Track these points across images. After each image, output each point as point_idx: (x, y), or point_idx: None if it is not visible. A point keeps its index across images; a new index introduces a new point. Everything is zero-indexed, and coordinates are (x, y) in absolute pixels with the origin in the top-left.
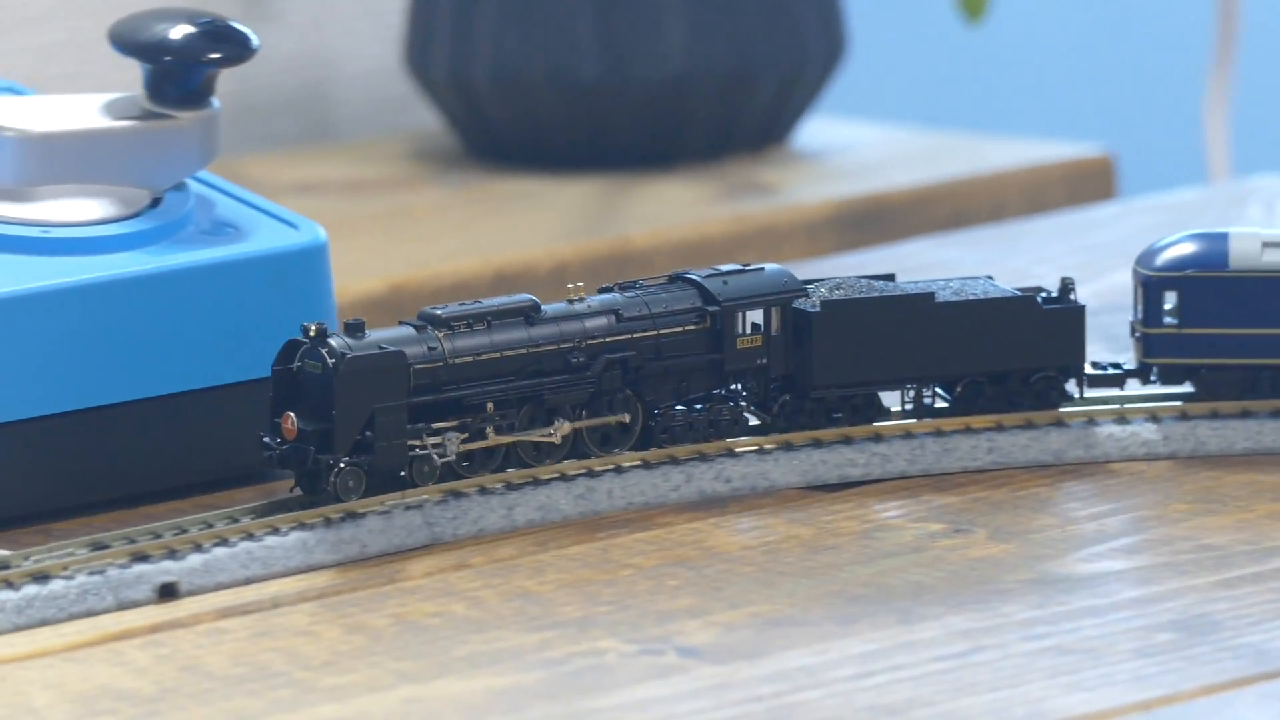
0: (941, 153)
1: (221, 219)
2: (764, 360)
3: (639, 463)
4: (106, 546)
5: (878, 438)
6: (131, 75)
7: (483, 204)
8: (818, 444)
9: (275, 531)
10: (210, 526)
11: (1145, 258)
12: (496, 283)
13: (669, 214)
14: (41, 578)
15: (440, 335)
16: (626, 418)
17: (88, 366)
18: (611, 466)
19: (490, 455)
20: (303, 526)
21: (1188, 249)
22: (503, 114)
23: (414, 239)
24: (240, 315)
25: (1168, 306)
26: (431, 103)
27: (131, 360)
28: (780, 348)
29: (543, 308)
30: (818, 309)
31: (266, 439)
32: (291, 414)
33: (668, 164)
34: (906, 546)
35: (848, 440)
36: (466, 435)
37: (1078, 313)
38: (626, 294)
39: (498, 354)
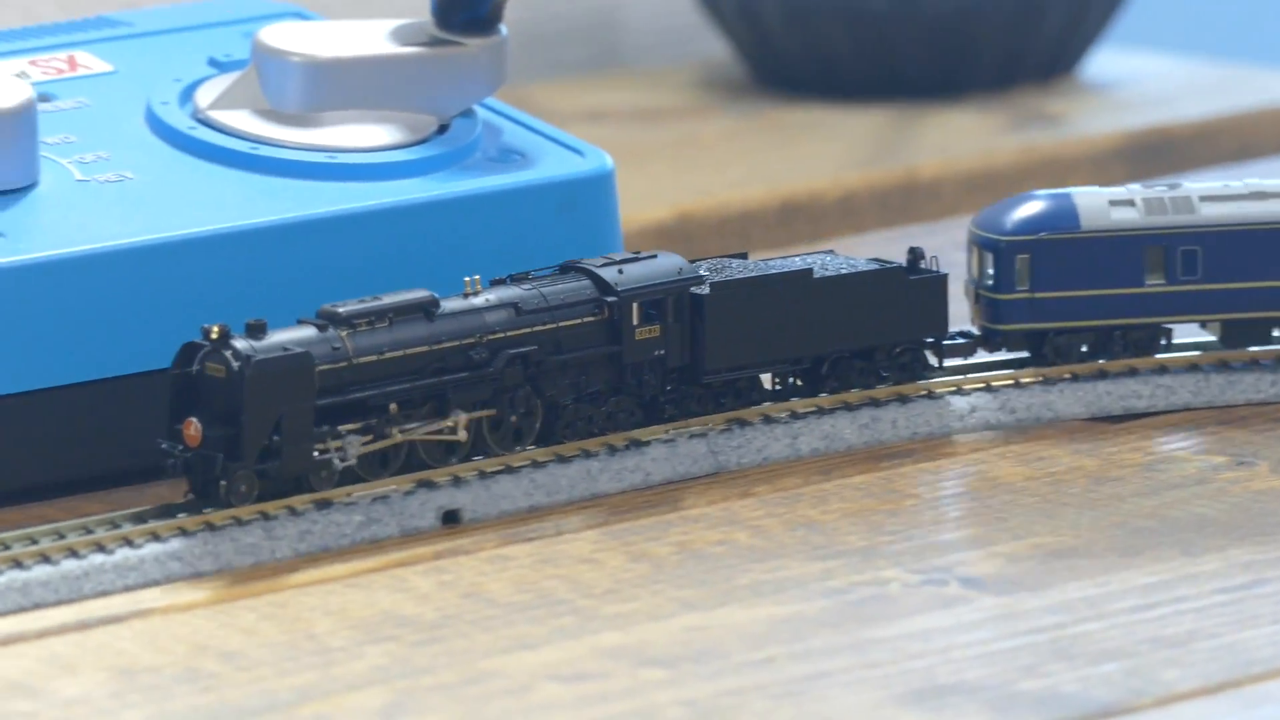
0: (1229, 85)
1: (509, 146)
2: (662, 351)
3: (924, 393)
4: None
5: (1163, 369)
6: (419, 2)
7: (770, 133)
8: (1102, 374)
9: (560, 459)
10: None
11: (989, 222)
12: (783, 212)
13: (956, 144)
14: (324, 504)
15: (343, 334)
16: (514, 418)
17: (373, 292)
18: (895, 396)
19: (391, 457)
20: (587, 455)
21: (1037, 210)
22: (791, 43)
23: (701, 168)
24: (527, 242)
25: (1019, 271)
26: (720, 31)
27: (417, 287)
28: (678, 337)
29: (441, 302)
30: (707, 291)
31: (165, 445)
32: (195, 420)
33: (955, 94)
34: (1190, 479)
35: (1133, 372)
36: (371, 437)
37: (940, 282)
38: (523, 286)
39: (400, 352)
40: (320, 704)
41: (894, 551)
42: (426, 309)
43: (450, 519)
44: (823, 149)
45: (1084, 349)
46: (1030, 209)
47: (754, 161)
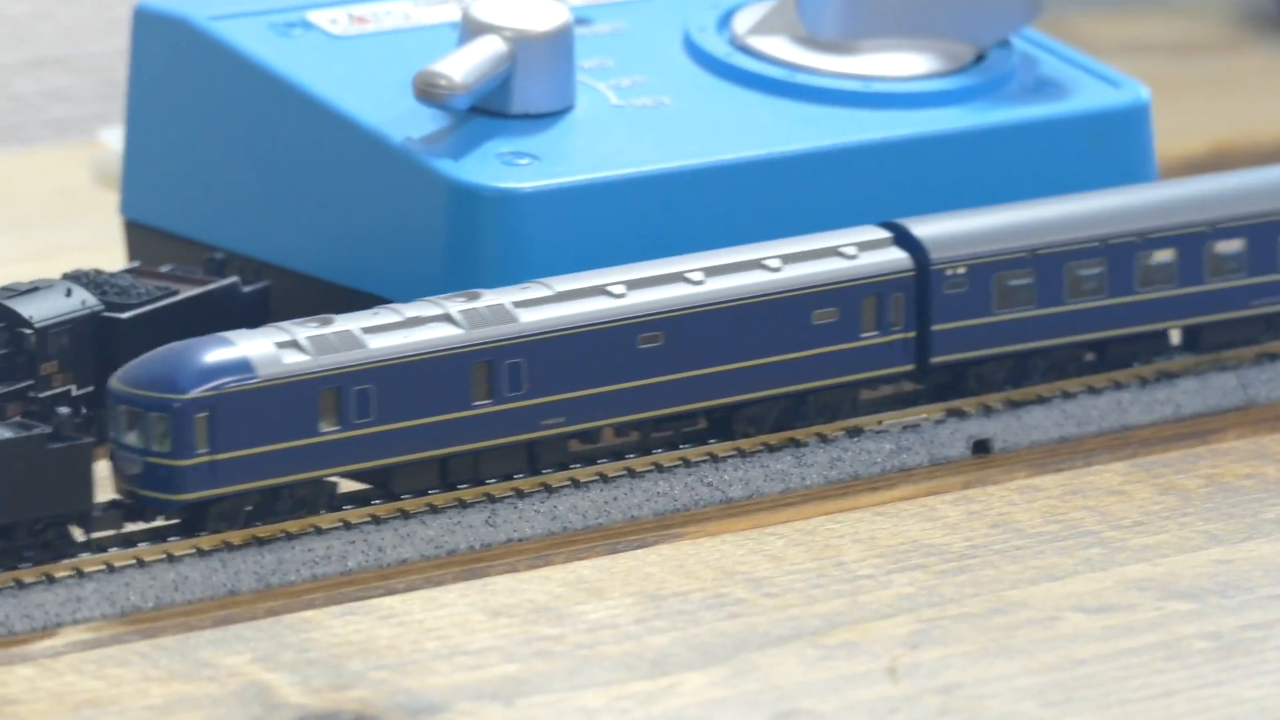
0: None
1: (1044, 77)
2: None
3: None
4: (917, 402)
5: None
6: None
7: None
8: None
9: (1090, 390)
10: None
11: (149, 380)
12: None
13: None
14: (855, 432)
15: None
16: None
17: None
18: None
19: None
20: (1118, 386)
21: (207, 364)
22: None
23: (1237, 101)
24: (1060, 174)
25: (199, 432)
26: None
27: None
28: None
29: None
30: None
31: None
32: None
33: None
34: None
35: None
36: None
37: (84, 450)
38: None
39: None
40: (847, 631)
41: None
42: None
43: (981, 448)
44: None
45: (249, 509)
46: (198, 361)
47: None
